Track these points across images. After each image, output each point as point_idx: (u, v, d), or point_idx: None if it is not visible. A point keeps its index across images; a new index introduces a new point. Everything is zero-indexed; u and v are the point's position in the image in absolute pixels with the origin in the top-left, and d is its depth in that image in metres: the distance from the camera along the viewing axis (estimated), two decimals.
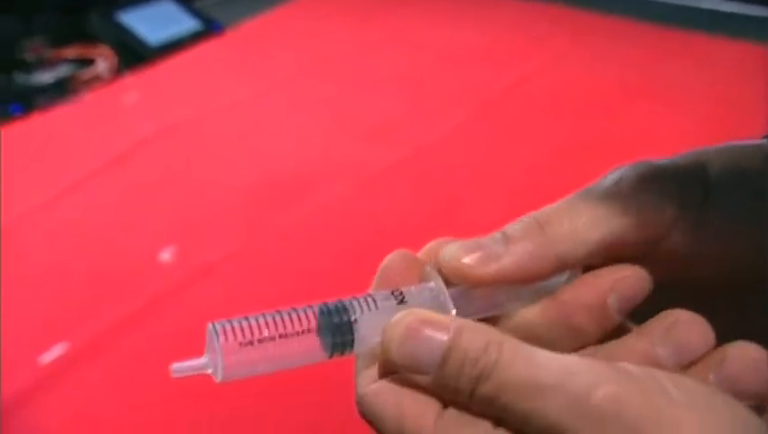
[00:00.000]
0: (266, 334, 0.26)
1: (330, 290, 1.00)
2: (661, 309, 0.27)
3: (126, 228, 1.21)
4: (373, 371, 0.27)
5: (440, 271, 0.27)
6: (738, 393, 0.25)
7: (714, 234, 0.28)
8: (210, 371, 0.26)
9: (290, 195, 1.27)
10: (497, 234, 0.28)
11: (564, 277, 0.28)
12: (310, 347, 0.26)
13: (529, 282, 0.27)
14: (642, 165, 0.28)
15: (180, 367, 0.26)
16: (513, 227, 0.28)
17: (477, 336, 0.24)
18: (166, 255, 1.16)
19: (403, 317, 0.25)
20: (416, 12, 1.91)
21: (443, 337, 0.24)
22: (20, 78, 1.56)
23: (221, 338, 0.25)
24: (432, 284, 0.27)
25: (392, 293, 0.27)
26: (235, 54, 1.75)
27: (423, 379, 0.25)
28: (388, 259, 0.28)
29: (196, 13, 1.81)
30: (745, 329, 0.28)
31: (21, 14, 1.74)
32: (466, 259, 0.27)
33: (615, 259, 0.28)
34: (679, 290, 0.29)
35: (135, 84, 1.60)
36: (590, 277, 0.28)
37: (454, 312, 0.27)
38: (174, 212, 1.25)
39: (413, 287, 0.27)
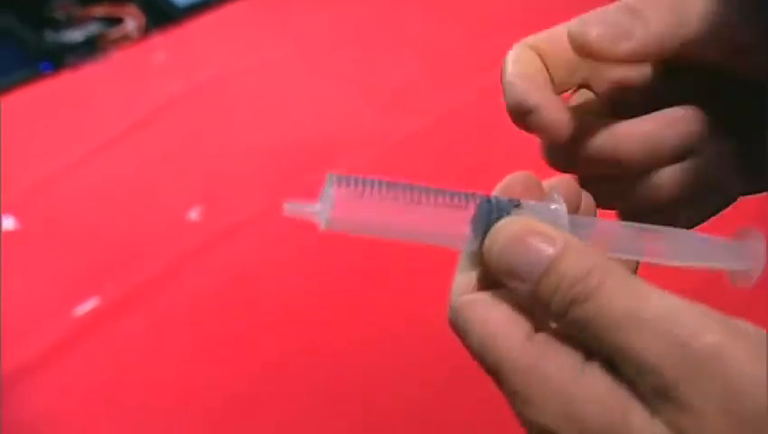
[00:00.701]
0: (385, 194, 0.25)
1: (351, 252, 1.01)
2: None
3: (155, 187, 1.22)
4: (468, 279, 0.26)
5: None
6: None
7: None
8: (317, 215, 0.26)
9: (315, 158, 1.26)
10: (621, 6, 0.26)
11: None
12: (451, 225, 0.25)
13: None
14: None
15: (293, 207, 0.26)
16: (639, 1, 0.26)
17: (583, 259, 0.23)
18: (194, 214, 1.16)
19: (511, 222, 0.24)
20: None
21: (548, 250, 0.23)
22: (50, 36, 1.55)
23: (335, 187, 0.25)
24: (555, 206, 0.26)
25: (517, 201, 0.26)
26: (262, 16, 1.72)
27: (520, 286, 0.24)
28: (511, 176, 0.27)
29: None
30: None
31: None
32: (594, 34, 0.26)
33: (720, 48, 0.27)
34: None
35: (163, 44, 1.59)
36: None
37: (567, 226, 0.25)
38: (201, 171, 1.26)
39: (537, 203, 0.26)
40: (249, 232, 1.12)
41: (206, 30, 1.64)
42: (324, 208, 0.25)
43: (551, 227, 0.24)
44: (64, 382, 0.92)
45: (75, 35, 1.56)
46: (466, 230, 0.25)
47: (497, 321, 0.24)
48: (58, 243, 1.11)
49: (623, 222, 0.28)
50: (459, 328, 0.25)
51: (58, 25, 1.57)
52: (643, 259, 0.27)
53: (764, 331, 0.22)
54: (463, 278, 0.26)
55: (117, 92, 1.45)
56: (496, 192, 0.27)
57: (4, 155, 1.25)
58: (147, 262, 1.06)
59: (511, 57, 0.29)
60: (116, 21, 1.60)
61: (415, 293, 1.01)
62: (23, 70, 1.46)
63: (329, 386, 0.93)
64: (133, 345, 0.97)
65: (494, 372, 0.24)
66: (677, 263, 0.27)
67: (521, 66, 0.29)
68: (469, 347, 0.25)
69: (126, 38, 1.58)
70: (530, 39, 0.29)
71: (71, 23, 1.58)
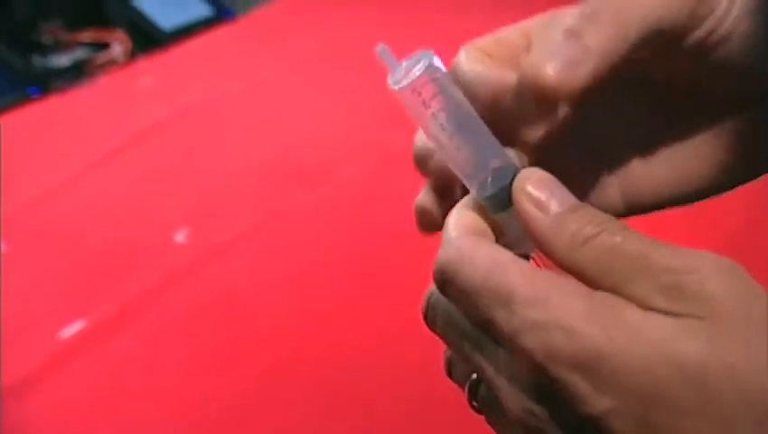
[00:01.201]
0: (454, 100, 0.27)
1: (345, 270, 1.01)
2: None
3: (142, 208, 1.22)
4: (472, 219, 0.26)
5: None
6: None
7: None
8: (397, 72, 0.28)
9: (303, 178, 1.27)
10: (556, 31, 0.25)
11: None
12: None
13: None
14: None
15: (384, 52, 0.29)
16: (568, 20, 0.25)
17: (598, 215, 0.24)
18: (181, 235, 1.16)
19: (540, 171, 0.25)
20: (433, 1, 1.91)
21: (571, 199, 0.25)
22: (37, 61, 1.56)
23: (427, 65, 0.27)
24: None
25: None
26: (247, 40, 1.74)
27: (543, 219, 0.24)
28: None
29: None
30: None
31: None
32: (550, 71, 0.24)
33: (663, 45, 0.25)
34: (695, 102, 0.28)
35: (150, 68, 1.60)
36: None
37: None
38: (188, 193, 1.26)
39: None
40: (237, 252, 1.12)
41: (192, 54, 1.65)
42: (407, 73, 0.28)
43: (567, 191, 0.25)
44: (54, 402, 0.91)
45: (62, 60, 1.57)
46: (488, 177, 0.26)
47: (505, 254, 0.24)
48: (45, 265, 1.11)
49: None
50: (458, 261, 0.24)
51: (45, 50, 1.59)
52: None
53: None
54: (463, 215, 0.26)
55: (103, 116, 1.46)
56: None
57: None
58: (135, 282, 1.06)
59: (463, 64, 0.29)
60: (102, 46, 1.62)
61: (406, 306, 1.01)
62: (11, 94, 1.47)
63: (321, 397, 0.92)
64: (121, 366, 0.97)
65: (504, 302, 0.22)
66: None
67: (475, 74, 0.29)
68: (468, 280, 0.23)
69: (112, 62, 1.59)
70: (478, 42, 0.30)
71: (59, 48, 1.59)
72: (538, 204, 0.24)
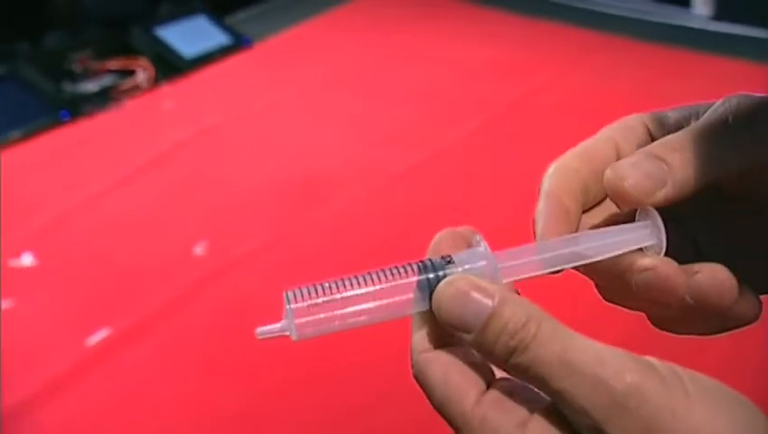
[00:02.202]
0: (336, 295, 0.26)
1: None
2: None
3: (164, 223, 1.24)
4: (423, 335, 0.27)
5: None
6: (705, 306, 0.26)
7: None
8: (287, 333, 0.27)
9: (313, 195, 1.28)
10: (649, 154, 0.27)
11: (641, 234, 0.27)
12: (401, 296, 0.26)
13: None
14: (754, 98, 0.28)
15: (264, 331, 0.27)
16: (662, 149, 0.27)
17: (519, 310, 0.24)
18: (199, 248, 1.17)
19: (456, 280, 0.25)
20: (432, 28, 1.92)
21: (488, 303, 0.24)
22: (68, 87, 1.59)
23: (293, 302, 0.26)
24: (481, 249, 0.27)
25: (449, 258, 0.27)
26: (262, 66, 1.76)
27: (466, 337, 0.24)
28: (439, 236, 0.28)
29: (227, 28, 1.83)
30: None
31: (69, 30, 1.77)
32: (629, 183, 0.26)
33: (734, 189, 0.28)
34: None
35: (172, 93, 1.62)
36: (673, 269, 0.27)
37: (501, 277, 0.26)
38: (207, 209, 1.27)
39: (464, 252, 0.27)
40: (253, 264, 1.12)
41: (211, 80, 1.68)
42: (290, 324, 0.27)
43: (488, 282, 0.25)
44: (77, 407, 0.92)
45: (91, 86, 1.60)
46: (414, 295, 0.27)
47: (455, 381, 0.25)
48: (72, 277, 1.12)
49: (529, 244, 0.28)
50: (423, 383, 0.26)
51: (75, 77, 1.61)
52: (569, 267, 0.28)
53: (675, 367, 0.23)
54: (420, 335, 0.27)
55: (128, 137, 1.48)
56: (429, 252, 0.28)
57: (26, 195, 1.28)
58: (156, 294, 1.07)
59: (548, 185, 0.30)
60: (128, 73, 1.64)
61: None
62: (44, 118, 1.50)
63: (332, 406, 0.93)
64: (143, 372, 0.98)
65: (454, 427, 0.25)
66: (599, 259, 0.28)
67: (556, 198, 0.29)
68: (433, 403, 0.25)
69: (137, 88, 1.61)
70: (563, 160, 0.30)
71: (88, 75, 1.62)
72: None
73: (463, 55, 1.77)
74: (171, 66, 1.67)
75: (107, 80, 1.61)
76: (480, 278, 0.25)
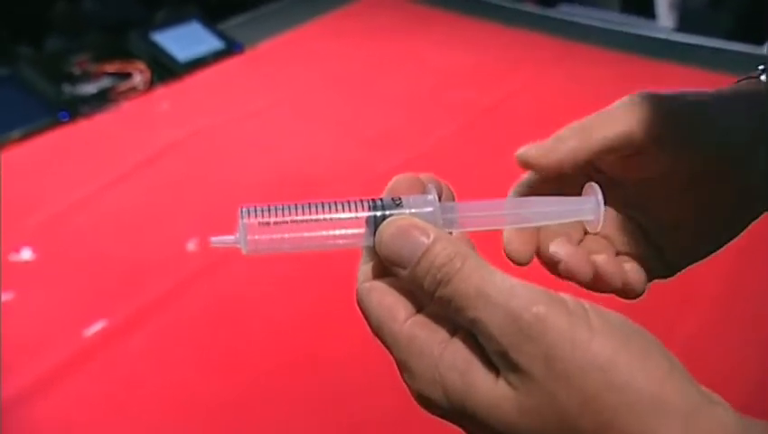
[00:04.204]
0: (287, 218, 0.26)
1: (337, 276, 1.01)
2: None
3: (158, 220, 1.23)
4: (367, 268, 0.28)
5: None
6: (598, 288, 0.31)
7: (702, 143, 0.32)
8: (238, 245, 0.27)
9: (302, 194, 1.27)
10: (552, 137, 0.32)
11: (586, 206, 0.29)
12: (347, 232, 0.27)
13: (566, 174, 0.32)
14: (639, 94, 0.33)
15: (217, 240, 0.27)
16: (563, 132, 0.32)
17: (449, 246, 0.25)
18: (192, 244, 1.16)
19: (397, 219, 0.26)
20: (415, 37, 1.92)
21: (423, 240, 0.25)
22: (67, 89, 1.56)
23: (246, 219, 0.26)
24: (430, 196, 0.27)
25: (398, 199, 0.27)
26: (253, 71, 1.75)
27: (401, 273, 0.25)
28: (396, 178, 0.29)
29: (220, 34, 1.81)
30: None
31: (69, 34, 1.74)
32: (532, 151, 0.31)
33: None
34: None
35: (167, 95, 1.61)
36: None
37: (441, 222, 0.27)
38: (199, 206, 1.26)
39: (414, 196, 0.28)
40: (244, 260, 1.10)
41: (204, 83, 1.66)
42: (241, 238, 0.27)
43: (426, 223, 0.26)
44: (75, 396, 0.91)
45: (89, 88, 1.57)
46: (363, 229, 0.27)
47: (388, 304, 0.26)
48: (71, 271, 1.11)
49: (484, 201, 0.29)
50: (362, 311, 0.27)
51: (75, 80, 1.59)
52: (509, 227, 0.30)
53: (584, 303, 0.24)
54: (365, 268, 0.28)
55: (125, 138, 1.46)
56: (385, 192, 0.28)
57: (25, 193, 1.26)
58: (151, 287, 1.06)
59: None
60: (125, 76, 1.62)
61: None
62: (44, 118, 1.47)
63: (325, 394, 0.92)
64: (138, 362, 0.97)
65: (386, 346, 0.26)
66: (538, 224, 0.29)
67: None
68: (371, 327, 0.27)
69: (134, 90, 1.60)
70: (527, 178, 0.34)
71: (86, 77, 1.60)
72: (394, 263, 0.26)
73: (446, 62, 1.77)
74: (166, 69, 1.65)
75: (104, 83, 1.59)
76: (419, 219, 0.26)
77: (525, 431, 0.23)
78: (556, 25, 1.94)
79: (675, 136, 0.31)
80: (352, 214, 0.27)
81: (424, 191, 0.28)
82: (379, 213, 0.27)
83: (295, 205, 0.27)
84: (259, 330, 1.01)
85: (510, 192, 0.34)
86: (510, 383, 0.23)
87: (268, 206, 0.27)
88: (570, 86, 1.64)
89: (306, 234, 0.27)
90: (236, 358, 0.97)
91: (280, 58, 1.79)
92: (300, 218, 0.26)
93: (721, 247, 0.34)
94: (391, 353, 0.26)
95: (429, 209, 0.27)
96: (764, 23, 1.86)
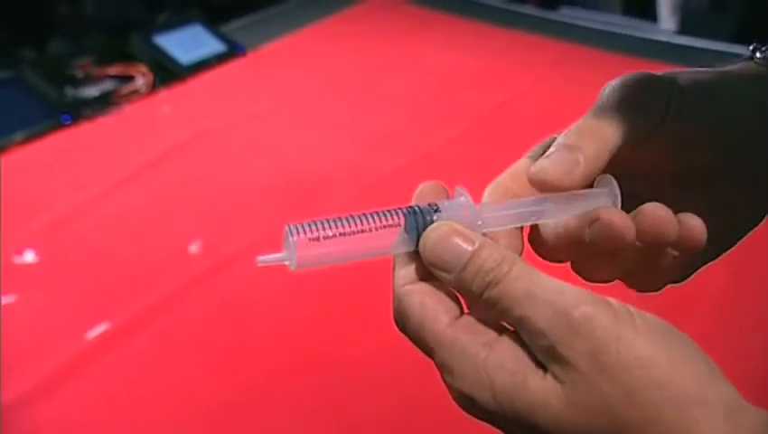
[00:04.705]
0: (330, 232, 0.27)
1: (338, 278, 1.01)
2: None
3: (160, 222, 1.23)
4: (407, 271, 0.28)
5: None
6: (651, 241, 0.28)
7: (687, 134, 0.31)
8: (286, 262, 0.28)
9: (304, 196, 1.27)
10: (561, 146, 0.29)
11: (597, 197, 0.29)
12: (390, 240, 0.28)
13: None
14: (628, 77, 0.31)
15: (265, 259, 0.28)
16: (574, 138, 0.30)
17: (495, 252, 0.26)
18: (194, 247, 1.16)
19: (440, 226, 0.27)
20: (418, 39, 1.92)
21: (468, 247, 0.26)
22: (70, 92, 1.57)
23: (295, 236, 0.27)
24: (462, 199, 0.29)
25: (435, 205, 0.28)
26: (256, 73, 1.75)
27: (446, 277, 0.26)
28: (422, 186, 0.30)
29: (222, 37, 1.82)
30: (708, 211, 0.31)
31: (72, 37, 1.75)
32: (550, 170, 0.29)
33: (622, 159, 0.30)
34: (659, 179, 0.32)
35: (169, 98, 1.61)
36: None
37: (480, 223, 0.28)
38: (202, 209, 1.26)
39: (449, 201, 0.29)
40: (245, 262, 1.11)
41: (206, 86, 1.67)
42: (290, 254, 0.28)
43: (469, 229, 0.27)
44: (76, 398, 0.91)
45: (92, 91, 1.58)
46: (401, 237, 0.28)
47: (431, 306, 0.26)
48: (73, 273, 1.11)
49: (509, 201, 0.30)
50: (401, 312, 0.27)
51: (77, 83, 1.59)
52: (536, 222, 0.30)
53: (630, 306, 0.25)
54: (403, 272, 0.28)
55: (127, 140, 1.47)
56: (414, 199, 0.29)
57: (28, 195, 1.26)
58: (153, 290, 1.06)
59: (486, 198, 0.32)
60: (128, 78, 1.62)
61: None
62: (47, 121, 1.48)
63: (325, 394, 0.92)
64: (140, 364, 0.97)
65: (428, 349, 0.26)
66: (562, 217, 0.30)
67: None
68: (409, 329, 0.27)
69: (136, 93, 1.60)
70: (499, 178, 0.32)
71: (89, 80, 1.60)
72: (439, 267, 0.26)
73: (447, 65, 1.78)
74: (168, 72, 1.66)
75: (107, 86, 1.60)
76: (461, 225, 0.27)
77: (572, 427, 0.23)
78: (557, 28, 1.94)
79: (691, 113, 0.31)
80: (395, 223, 0.28)
81: (447, 197, 0.29)
82: (419, 220, 0.28)
83: (340, 219, 0.28)
84: (260, 331, 1.01)
85: (485, 195, 0.32)
86: (556, 377, 0.24)
87: (314, 222, 0.28)
88: (571, 88, 1.63)
89: (352, 246, 0.28)
90: (237, 359, 0.97)
91: (282, 61, 1.80)
92: (347, 231, 0.27)
93: (733, 245, 0.34)
94: (431, 356, 0.26)
95: (465, 212, 0.28)
96: (766, 25, 1.86)
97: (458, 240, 0.26)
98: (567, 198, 0.29)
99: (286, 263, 0.28)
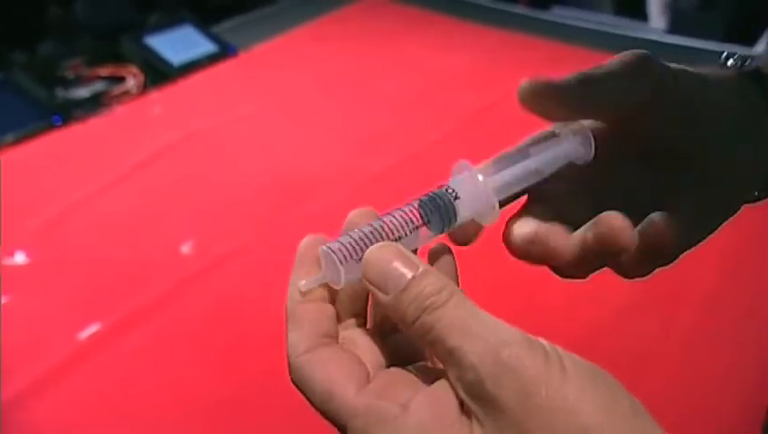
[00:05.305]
0: (362, 250, 0.28)
1: None
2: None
3: (152, 223, 1.23)
4: (300, 336, 0.27)
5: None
6: (606, 249, 0.29)
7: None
8: (326, 280, 0.28)
9: (295, 196, 1.28)
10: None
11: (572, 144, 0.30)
12: (420, 238, 0.29)
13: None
14: (629, 53, 0.32)
15: (307, 283, 0.29)
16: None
17: (438, 280, 0.26)
18: (186, 247, 1.16)
19: (385, 246, 0.27)
20: (406, 40, 1.92)
21: (410, 271, 0.26)
22: (60, 93, 1.57)
23: (337, 254, 0.28)
24: (467, 173, 0.30)
25: (447, 189, 0.30)
26: (247, 74, 1.75)
27: (383, 297, 0.26)
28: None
29: (213, 37, 1.82)
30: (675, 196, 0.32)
31: (62, 38, 1.75)
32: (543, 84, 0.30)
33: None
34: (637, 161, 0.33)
35: (160, 99, 1.61)
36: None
37: (496, 204, 0.29)
38: (193, 210, 1.26)
39: (459, 177, 0.30)
40: (237, 262, 1.12)
41: (197, 86, 1.66)
42: (332, 274, 0.28)
43: (414, 256, 0.27)
44: (69, 399, 0.91)
45: (82, 92, 1.58)
46: (431, 234, 0.29)
47: (336, 374, 0.26)
48: (65, 275, 1.11)
49: (493, 163, 0.32)
50: (303, 383, 0.26)
51: (68, 84, 1.59)
52: (538, 180, 0.31)
53: (558, 348, 0.25)
54: (297, 336, 0.27)
55: (118, 141, 1.46)
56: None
57: (19, 197, 1.26)
58: (145, 290, 1.06)
59: None
60: (118, 79, 1.62)
61: None
62: (37, 122, 1.47)
63: None
64: (132, 364, 0.97)
65: (339, 421, 0.25)
66: (552, 169, 0.31)
67: None
68: (316, 401, 0.26)
69: (127, 94, 1.60)
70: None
71: (79, 81, 1.60)
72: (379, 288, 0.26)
73: (438, 64, 1.78)
74: (159, 73, 1.66)
75: (98, 87, 1.60)
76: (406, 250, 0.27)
77: None
78: (548, 28, 1.95)
79: (681, 100, 0.31)
80: (421, 223, 0.29)
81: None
82: (445, 214, 0.29)
83: (371, 231, 0.28)
84: (254, 330, 1.01)
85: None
86: (479, 420, 0.23)
87: (348, 237, 0.28)
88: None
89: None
90: (231, 358, 0.97)
91: (274, 61, 1.80)
92: (374, 238, 0.28)
93: (714, 228, 0.34)
94: (344, 429, 0.25)
95: (480, 188, 0.29)
96: (755, 24, 1.87)
97: (400, 264, 0.26)
98: (545, 147, 0.31)
99: (326, 281, 0.28)
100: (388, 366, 0.28)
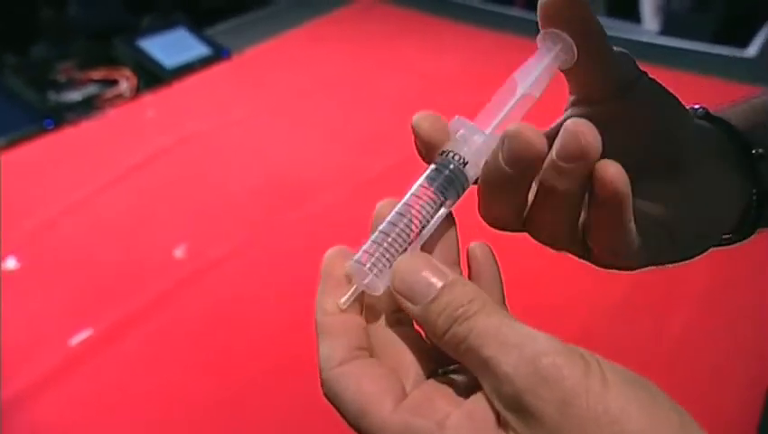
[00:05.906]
0: (398, 249, 0.27)
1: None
2: None
3: (145, 227, 1.22)
4: (333, 350, 0.26)
5: None
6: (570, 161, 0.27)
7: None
8: (363, 289, 0.28)
9: (290, 199, 1.27)
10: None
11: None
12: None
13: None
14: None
15: (345, 300, 0.27)
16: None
17: (468, 289, 0.25)
18: (179, 251, 1.16)
19: (414, 256, 0.26)
20: (404, 42, 1.92)
21: (440, 280, 0.25)
22: (53, 96, 1.56)
23: (368, 265, 0.27)
24: (463, 132, 0.31)
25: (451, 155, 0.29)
26: (240, 77, 1.75)
27: (412, 308, 0.25)
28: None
29: (206, 40, 1.82)
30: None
31: (55, 41, 1.74)
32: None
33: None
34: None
35: (153, 102, 1.60)
36: None
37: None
38: (187, 213, 1.26)
39: (458, 139, 0.30)
40: (231, 266, 1.11)
41: (191, 89, 1.66)
42: (369, 282, 0.27)
43: (443, 265, 0.26)
44: (62, 403, 0.91)
45: (75, 95, 1.57)
46: (443, 210, 0.29)
47: (370, 390, 0.25)
48: (56, 280, 1.10)
49: (488, 108, 0.32)
50: (335, 398, 0.26)
51: (60, 87, 1.58)
52: (527, 110, 0.31)
53: (597, 356, 0.24)
54: (329, 349, 0.26)
55: (111, 145, 1.46)
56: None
57: (10, 201, 1.25)
58: (137, 295, 1.06)
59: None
60: (111, 82, 1.62)
61: None
62: (30, 126, 1.47)
63: (319, 396, 0.91)
64: (125, 369, 0.96)
65: None
66: (541, 86, 0.32)
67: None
68: (349, 417, 0.25)
69: (120, 97, 1.59)
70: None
71: (72, 84, 1.60)
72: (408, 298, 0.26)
73: (433, 66, 1.78)
74: (152, 76, 1.65)
75: (90, 90, 1.59)
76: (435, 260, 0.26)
77: None
78: None
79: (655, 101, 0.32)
80: (440, 204, 0.28)
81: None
82: (458, 185, 0.29)
83: (397, 233, 0.28)
84: (249, 333, 1.01)
85: None
86: (517, 433, 0.23)
87: (375, 246, 0.27)
88: (558, 88, 1.64)
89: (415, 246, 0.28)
90: (226, 361, 0.97)
91: (267, 64, 1.80)
92: (407, 244, 0.27)
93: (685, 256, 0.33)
94: None
95: (484, 149, 0.29)
96: (748, 26, 1.88)
97: (429, 273, 0.25)
98: (528, 70, 0.31)
99: (363, 289, 0.28)
100: (430, 367, 0.27)
